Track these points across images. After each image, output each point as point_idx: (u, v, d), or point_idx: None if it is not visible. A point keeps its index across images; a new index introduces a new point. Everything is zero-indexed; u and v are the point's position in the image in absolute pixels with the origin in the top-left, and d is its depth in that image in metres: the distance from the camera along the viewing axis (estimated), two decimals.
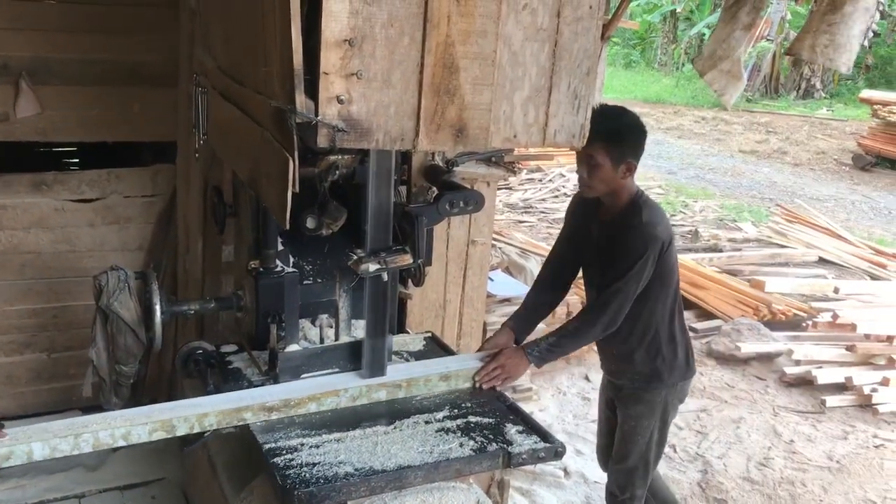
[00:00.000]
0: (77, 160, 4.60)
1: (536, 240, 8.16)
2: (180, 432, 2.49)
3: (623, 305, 2.88)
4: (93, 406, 2.90)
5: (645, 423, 3.17)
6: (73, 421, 2.41)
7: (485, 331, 4.70)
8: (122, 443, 2.42)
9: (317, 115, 1.97)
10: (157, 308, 2.79)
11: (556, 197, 10.79)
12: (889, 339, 5.73)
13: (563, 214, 10.39)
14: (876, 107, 13.57)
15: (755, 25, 4.49)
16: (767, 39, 20.30)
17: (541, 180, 11.46)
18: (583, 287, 3.25)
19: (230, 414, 2.55)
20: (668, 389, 3.14)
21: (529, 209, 10.20)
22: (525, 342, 3.02)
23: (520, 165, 11.12)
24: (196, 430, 2.50)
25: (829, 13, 3.73)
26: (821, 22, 3.76)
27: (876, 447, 4.95)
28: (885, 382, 5.41)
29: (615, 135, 2.79)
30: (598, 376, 5.58)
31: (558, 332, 2.97)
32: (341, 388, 2.70)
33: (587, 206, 3.07)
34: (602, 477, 4.38)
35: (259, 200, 2.71)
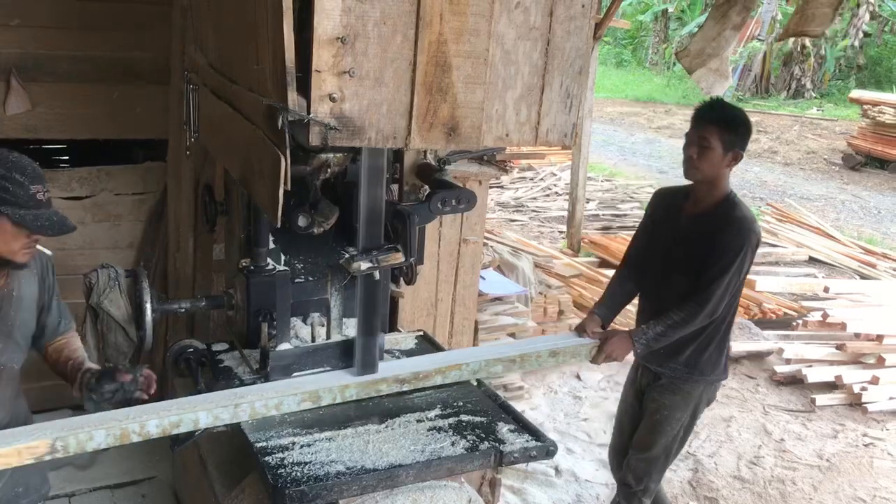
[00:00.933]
0: (67, 157, 4.58)
1: (528, 238, 8.16)
2: (325, 402, 2.61)
3: (723, 297, 3.00)
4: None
5: (677, 415, 3.24)
6: (233, 392, 2.55)
7: (476, 329, 4.70)
8: (273, 412, 2.54)
9: (309, 113, 1.96)
10: (148, 306, 2.78)
11: (548, 196, 10.79)
12: (878, 337, 5.75)
13: (554, 213, 10.30)
14: (866, 106, 13.64)
15: (745, 25, 4.52)
16: (758, 39, 20.37)
17: (532, 179, 11.47)
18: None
19: (368, 386, 2.67)
20: (706, 386, 3.24)
21: (521, 208, 10.20)
22: (632, 329, 3.13)
23: (512, 164, 11.13)
24: (338, 400, 2.64)
25: None
26: None
27: (865, 446, 4.97)
28: (874, 381, 5.43)
29: (731, 122, 2.97)
30: (589, 375, 5.61)
31: (664, 322, 3.05)
32: (464, 361, 2.82)
33: (673, 200, 3.21)
34: (593, 475, 4.40)
35: (250, 198, 2.70)
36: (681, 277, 3.07)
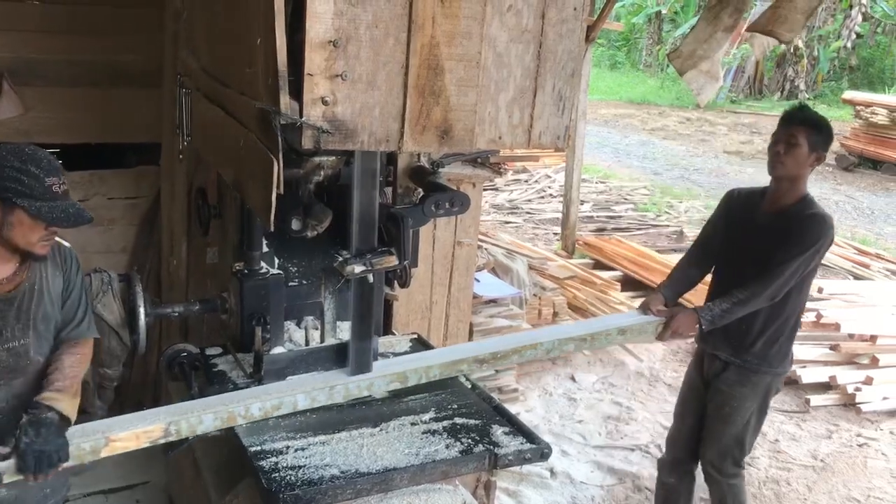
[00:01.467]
0: (60, 162, 4.55)
1: (522, 240, 8.16)
2: (411, 383, 2.73)
3: (788, 282, 3.14)
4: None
5: (747, 405, 3.34)
6: (326, 374, 2.70)
7: (471, 332, 4.71)
8: (365, 393, 2.69)
9: (301, 116, 1.96)
10: (142, 310, 2.77)
11: (542, 198, 10.80)
12: (872, 338, 5.77)
13: (549, 215, 10.28)
14: (858, 107, 13.68)
15: (738, 27, 4.53)
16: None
17: (527, 181, 11.47)
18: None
19: (449, 366, 2.78)
20: (773, 377, 3.35)
21: (515, 210, 10.20)
22: (697, 306, 3.27)
23: (505, 166, 11.12)
24: (423, 380, 2.75)
25: None
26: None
27: (859, 446, 4.98)
28: (868, 381, 5.45)
29: (817, 124, 3.17)
30: (584, 377, 5.62)
31: (728, 299, 3.18)
32: (538, 341, 2.94)
33: (750, 198, 3.37)
34: (588, 477, 4.40)
35: (243, 202, 2.70)
36: (754, 270, 3.18)
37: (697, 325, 3.19)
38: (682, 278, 3.52)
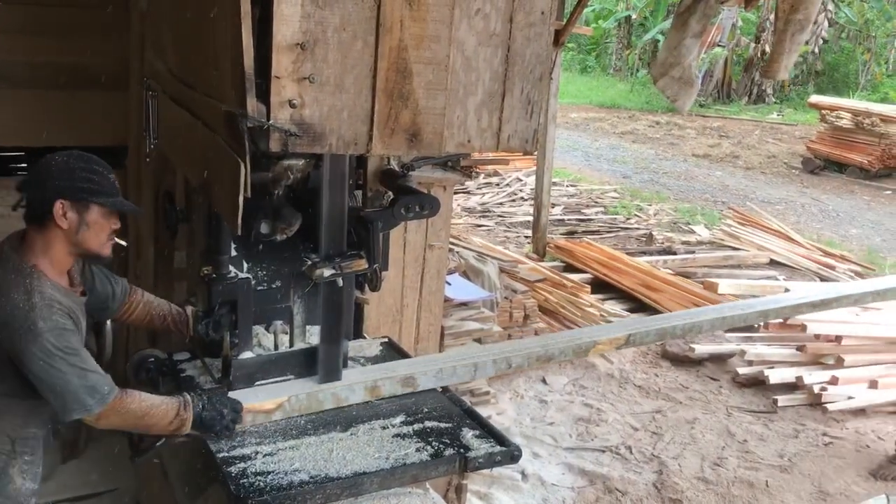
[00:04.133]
0: (25, 165, 4.49)
1: (494, 243, 8.18)
2: (514, 364, 3.05)
3: None
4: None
5: None
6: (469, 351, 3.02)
7: (442, 335, 4.70)
8: (504, 366, 3.03)
9: (268, 119, 1.95)
10: None
11: (514, 201, 10.84)
12: (837, 339, 5.85)
13: (520, 218, 10.29)
14: (824, 111, 13.90)
15: (706, 32, 4.58)
16: (719, 45, 20.67)
17: (498, 185, 11.50)
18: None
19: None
20: None
21: (487, 213, 10.22)
22: None
23: (477, 170, 11.16)
24: (556, 358, 3.18)
25: (797, 33, 3.88)
26: (791, 42, 3.90)
27: (826, 445, 5.05)
28: (833, 381, 5.53)
29: None
30: (555, 379, 5.64)
31: None
32: (627, 328, 3.27)
33: None
34: (559, 479, 4.41)
35: (211, 205, 2.67)
36: None
37: None
38: None
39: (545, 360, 3.13)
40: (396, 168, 2.99)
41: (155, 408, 2.32)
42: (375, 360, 3.09)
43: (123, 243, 2.53)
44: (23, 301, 2.15)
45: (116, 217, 2.33)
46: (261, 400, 2.56)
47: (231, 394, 2.55)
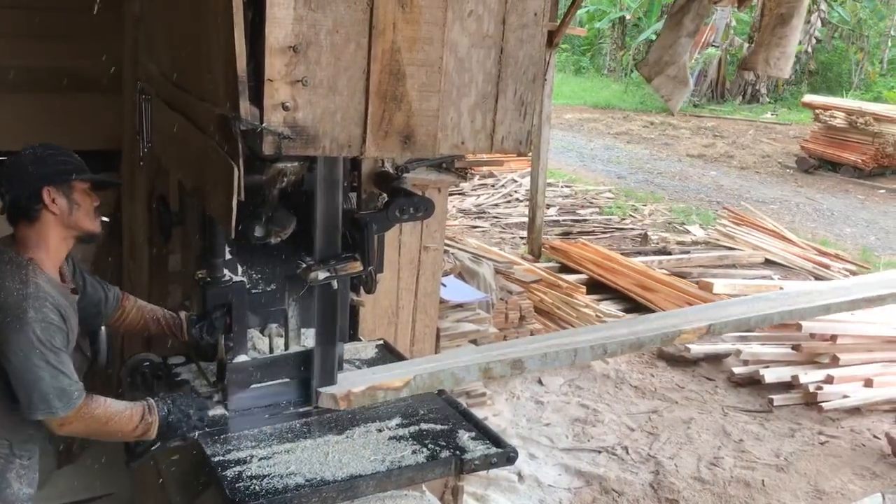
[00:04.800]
0: None
1: (489, 244, 8.18)
2: (609, 352, 3.15)
3: None
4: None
5: None
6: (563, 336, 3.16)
7: (438, 337, 4.70)
8: (600, 352, 3.12)
9: (262, 122, 1.95)
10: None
11: (509, 202, 10.84)
12: (833, 338, 5.86)
13: (515, 219, 10.31)
14: (818, 111, 13.92)
15: (700, 32, 4.60)
16: (713, 45, 20.72)
17: (493, 186, 11.51)
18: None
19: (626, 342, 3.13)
20: None
21: (482, 214, 10.23)
22: None
23: (472, 171, 11.16)
24: (621, 351, 3.23)
25: (778, 26, 3.87)
26: (772, 35, 3.89)
27: (821, 444, 5.06)
28: (829, 380, 5.54)
29: None
30: (551, 380, 5.64)
31: None
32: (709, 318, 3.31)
33: None
34: (556, 480, 4.41)
35: (205, 209, 2.67)
36: None
37: None
38: None
39: (637, 347, 3.22)
40: (391, 170, 2.99)
41: (119, 413, 2.31)
42: (371, 362, 3.09)
43: (106, 219, 2.56)
44: (17, 289, 2.18)
45: (94, 193, 2.42)
46: (391, 378, 2.71)
47: (356, 372, 2.73)
